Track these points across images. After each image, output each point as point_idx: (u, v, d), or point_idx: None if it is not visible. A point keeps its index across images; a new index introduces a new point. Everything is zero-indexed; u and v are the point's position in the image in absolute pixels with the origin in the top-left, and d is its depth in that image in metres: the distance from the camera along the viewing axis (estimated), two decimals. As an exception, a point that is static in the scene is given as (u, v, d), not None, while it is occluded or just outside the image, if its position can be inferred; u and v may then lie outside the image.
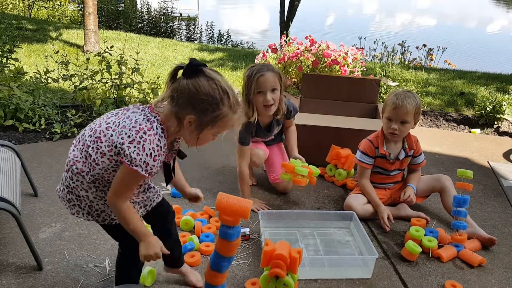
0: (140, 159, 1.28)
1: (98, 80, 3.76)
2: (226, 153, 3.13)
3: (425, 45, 9.38)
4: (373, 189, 2.39)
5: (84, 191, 1.42)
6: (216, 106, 1.34)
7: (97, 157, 1.35)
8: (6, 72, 3.83)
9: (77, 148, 1.41)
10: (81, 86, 3.69)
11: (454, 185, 2.33)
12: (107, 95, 3.73)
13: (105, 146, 1.34)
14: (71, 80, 3.72)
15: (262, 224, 2.09)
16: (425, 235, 2.11)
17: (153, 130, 1.32)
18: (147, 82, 3.96)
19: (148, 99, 3.90)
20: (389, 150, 2.38)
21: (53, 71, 4.01)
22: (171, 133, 1.39)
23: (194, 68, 1.33)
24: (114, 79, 3.77)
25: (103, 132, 1.35)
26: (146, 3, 12.73)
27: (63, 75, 3.73)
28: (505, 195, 2.79)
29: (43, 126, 3.39)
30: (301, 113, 3.31)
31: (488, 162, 3.29)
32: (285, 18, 7.21)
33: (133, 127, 1.31)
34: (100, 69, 3.75)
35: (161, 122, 1.36)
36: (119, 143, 1.31)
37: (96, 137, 1.36)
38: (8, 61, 3.89)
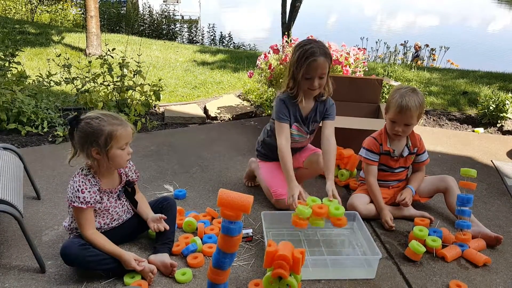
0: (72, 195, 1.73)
1: (100, 83, 3.77)
2: (228, 157, 3.14)
3: (427, 45, 9.38)
4: (379, 190, 2.37)
5: None
6: (100, 131, 1.70)
7: None
8: (9, 75, 3.84)
9: None
10: (83, 89, 3.70)
11: (458, 185, 2.31)
12: (109, 98, 3.74)
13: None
14: (73, 83, 3.73)
15: (265, 225, 2.08)
16: (429, 234, 2.10)
17: (78, 175, 1.76)
18: (149, 84, 3.97)
19: (150, 101, 3.91)
20: (393, 146, 2.38)
21: (55, 74, 4.02)
22: (98, 169, 1.79)
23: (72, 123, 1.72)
24: (116, 81, 3.78)
25: None
26: (148, 6, 12.77)
27: (66, 78, 3.74)
28: (509, 194, 2.77)
29: (45, 129, 3.40)
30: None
31: (491, 161, 3.27)
32: (286, 19, 7.21)
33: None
34: (102, 72, 3.76)
35: (88, 166, 1.79)
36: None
37: None
38: (11, 65, 3.91)
